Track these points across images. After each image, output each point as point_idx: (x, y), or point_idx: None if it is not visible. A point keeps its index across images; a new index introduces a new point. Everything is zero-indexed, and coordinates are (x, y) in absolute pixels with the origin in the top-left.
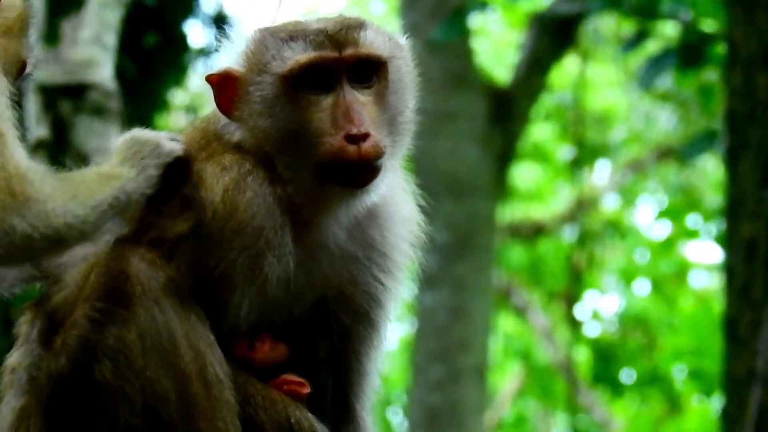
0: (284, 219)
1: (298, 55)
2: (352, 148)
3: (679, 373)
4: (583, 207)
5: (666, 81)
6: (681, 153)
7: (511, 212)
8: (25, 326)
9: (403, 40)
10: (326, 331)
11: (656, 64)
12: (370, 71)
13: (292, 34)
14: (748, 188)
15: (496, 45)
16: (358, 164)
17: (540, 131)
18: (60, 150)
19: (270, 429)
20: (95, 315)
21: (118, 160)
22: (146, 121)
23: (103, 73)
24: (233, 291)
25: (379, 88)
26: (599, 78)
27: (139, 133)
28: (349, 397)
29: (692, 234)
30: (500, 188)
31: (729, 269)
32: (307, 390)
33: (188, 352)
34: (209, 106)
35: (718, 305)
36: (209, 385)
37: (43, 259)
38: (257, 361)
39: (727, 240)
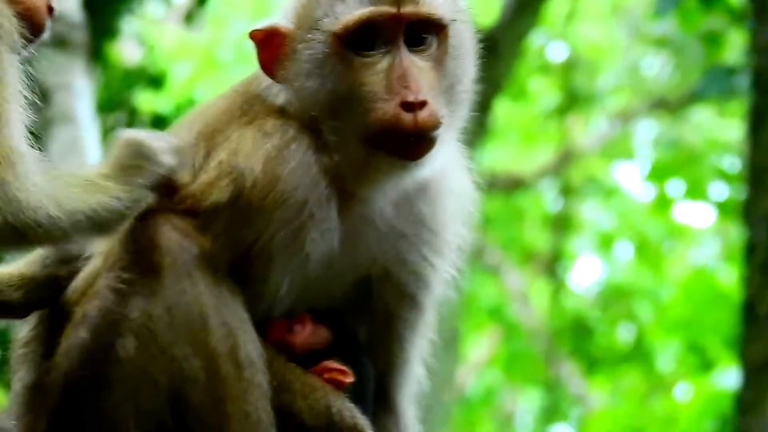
0: (329, 191)
1: (352, 11)
2: (407, 117)
3: (668, 347)
4: (566, 160)
5: (664, 25)
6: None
7: (489, 161)
8: None
9: (465, 3)
10: (368, 314)
11: None
12: (429, 33)
13: None
14: None
15: None
16: (413, 134)
17: (524, 75)
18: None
19: (308, 418)
20: (120, 286)
21: (110, 169)
22: (95, 51)
23: (68, 1)
24: (271, 268)
25: (438, 53)
26: (589, 17)
27: (139, 140)
28: (390, 386)
29: (689, 195)
30: (480, 136)
31: (749, 244)
32: (350, 379)
33: (219, 330)
34: (252, 66)
35: (712, 275)
36: (240, 366)
37: (4, 248)
38: (296, 345)
39: (746, 212)
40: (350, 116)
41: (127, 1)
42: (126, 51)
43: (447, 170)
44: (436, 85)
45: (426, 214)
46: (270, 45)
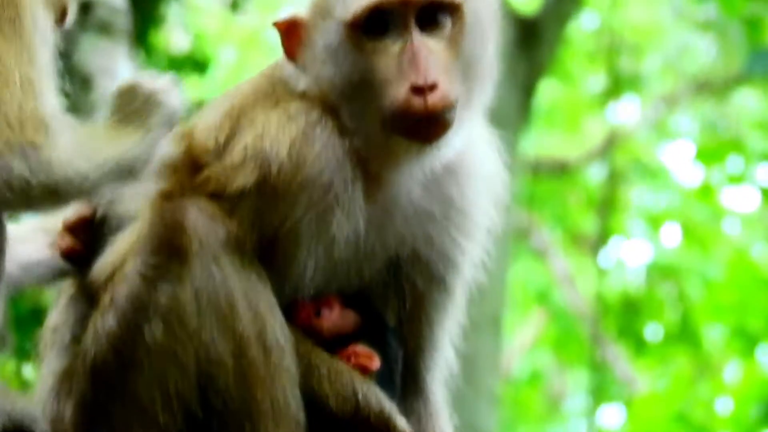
0: (355, 173)
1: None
2: (417, 101)
3: (715, 331)
4: (612, 143)
5: (709, 10)
6: (745, 67)
7: (534, 146)
8: (67, 282)
9: None
10: (398, 297)
11: None
12: (442, 14)
13: None
14: None
15: None
16: (425, 117)
17: (569, 59)
18: (63, 69)
19: (334, 403)
20: (147, 270)
21: (119, 117)
22: (141, 37)
23: None
24: (298, 250)
25: (453, 33)
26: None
27: (137, 84)
28: (419, 369)
29: (735, 179)
30: (525, 120)
31: None
32: (377, 364)
33: (247, 314)
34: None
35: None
36: (268, 350)
37: (37, 209)
38: (324, 329)
39: None
40: (366, 101)
41: None
42: (173, 37)
43: (475, 151)
44: (451, 65)
45: (455, 195)
46: (292, 34)
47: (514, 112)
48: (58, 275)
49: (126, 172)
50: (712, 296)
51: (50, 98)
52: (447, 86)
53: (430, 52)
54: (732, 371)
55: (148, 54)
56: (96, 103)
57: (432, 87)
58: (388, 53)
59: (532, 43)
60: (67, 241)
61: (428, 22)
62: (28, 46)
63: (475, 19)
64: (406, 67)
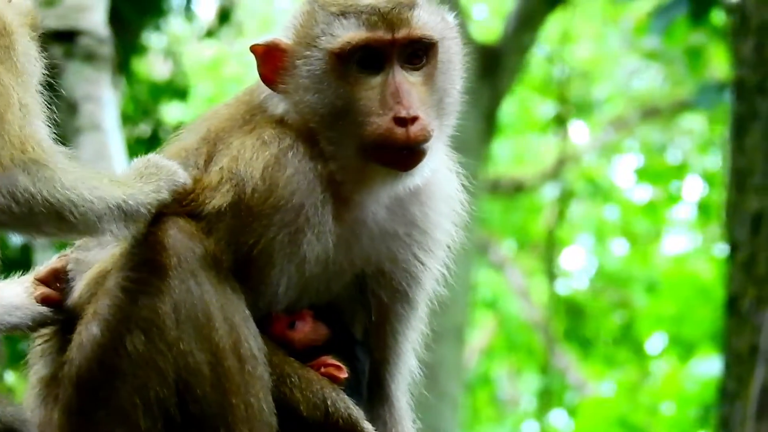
0: (325, 196)
1: (349, 34)
2: (400, 131)
3: (656, 338)
4: (563, 164)
5: (654, 40)
6: (693, 102)
7: (494, 166)
8: None
9: (453, 19)
10: (364, 309)
11: (668, 10)
12: (420, 52)
13: (343, 10)
14: (756, 160)
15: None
16: (405, 147)
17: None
18: (49, 96)
19: (305, 409)
20: (129, 285)
21: (132, 175)
22: (124, 65)
23: (95, 18)
24: (272, 268)
25: (429, 69)
26: (584, 33)
27: (155, 157)
28: (384, 377)
29: (675, 199)
30: (487, 143)
31: (733, 243)
32: (344, 375)
33: (223, 326)
34: (253, 77)
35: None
36: (243, 359)
37: (44, 231)
38: (296, 341)
39: (729, 213)
40: (346, 129)
41: (154, 18)
42: (154, 65)
43: (437, 174)
44: (427, 99)
45: (417, 215)
46: (270, 59)
47: (477, 136)
48: (39, 322)
49: (129, 215)
50: (653, 304)
51: (43, 126)
52: (426, 119)
53: (411, 86)
54: (671, 376)
55: (132, 82)
56: (81, 128)
57: (414, 119)
58: (371, 85)
59: (494, 72)
60: (41, 290)
61: (408, 58)
62: (22, 73)
63: (447, 56)
64: (390, 99)
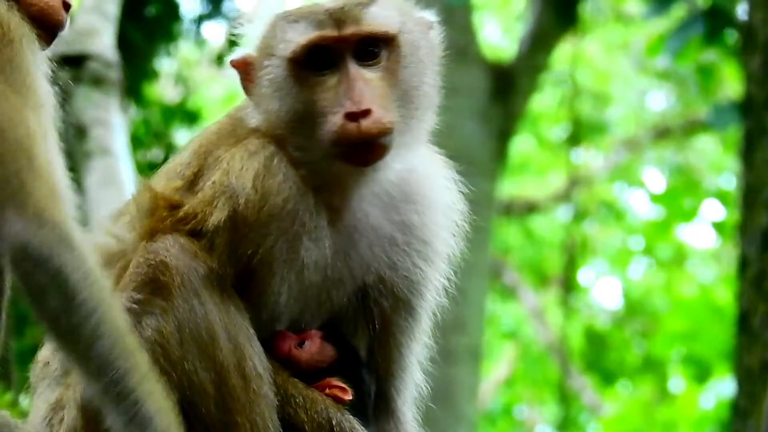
0: (316, 201)
1: (299, 37)
2: (351, 126)
3: (674, 358)
4: (576, 186)
5: (664, 60)
6: (708, 122)
7: (506, 189)
8: None
9: (420, 13)
10: (367, 321)
11: (683, 30)
12: (377, 47)
13: (298, 16)
14: (765, 176)
15: (503, 19)
16: (360, 142)
17: (537, 106)
18: (60, 119)
19: (309, 429)
20: (133, 306)
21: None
22: (133, 89)
23: (104, 42)
24: (272, 277)
25: (389, 64)
26: (597, 55)
27: None
28: (389, 391)
29: (688, 216)
30: (499, 166)
31: (743, 259)
32: (349, 397)
33: (227, 345)
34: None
35: (718, 291)
36: (248, 378)
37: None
38: (303, 360)
39: (741, 229)
40: (309, 132)
41: (164, 42)
42: (166, 90)
43: (432, 180)
44: (387, 93)
45: (415, 222)
46: (246, 72)
47: (490, 158)
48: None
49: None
50: (671, 325)
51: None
52: (381, 112)
53: (365, 82)
54: (686, 396)
55: (142, 105)
56: (90, 152)
57: (365, 113)
58: (327, 86)
59: (507, 92)
60: None
61: (365, 54)
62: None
63: (411, 49)
64: (342, 96)
